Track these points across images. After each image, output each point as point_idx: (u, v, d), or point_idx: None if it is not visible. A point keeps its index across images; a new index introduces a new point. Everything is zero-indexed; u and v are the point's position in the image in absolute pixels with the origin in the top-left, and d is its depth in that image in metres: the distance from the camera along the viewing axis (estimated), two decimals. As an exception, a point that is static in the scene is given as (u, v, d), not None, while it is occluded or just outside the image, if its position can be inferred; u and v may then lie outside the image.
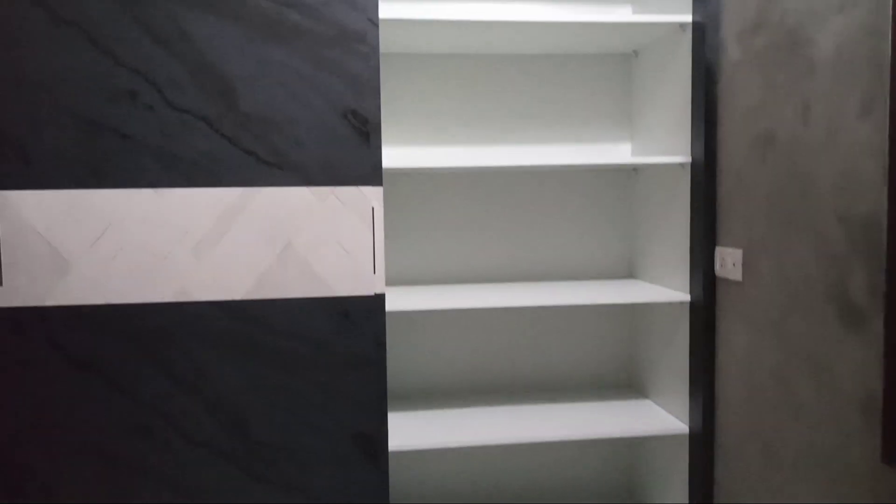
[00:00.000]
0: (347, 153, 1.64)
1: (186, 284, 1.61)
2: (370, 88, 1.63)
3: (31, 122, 1.55)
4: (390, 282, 2.26)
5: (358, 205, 1.66)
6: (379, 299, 1.68)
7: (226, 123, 1.60)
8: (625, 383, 2.37)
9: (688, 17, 1.87)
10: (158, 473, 1.63)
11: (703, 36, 1.81)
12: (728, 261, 1.76)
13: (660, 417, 2.03)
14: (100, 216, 1.58)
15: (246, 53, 1.60)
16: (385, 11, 1.79)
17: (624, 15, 2.23)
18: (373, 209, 1.66)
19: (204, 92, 1.59)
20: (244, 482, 1.66)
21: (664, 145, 2.06)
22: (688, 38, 1.89)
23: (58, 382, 1.60)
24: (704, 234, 1.84)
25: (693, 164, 1.88)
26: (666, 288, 2.06)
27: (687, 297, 1.91)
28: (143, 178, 1.59)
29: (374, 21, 1.62)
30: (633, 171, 2.32)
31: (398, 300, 1.91)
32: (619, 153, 2.33)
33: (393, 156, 2.22)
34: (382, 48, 2.11)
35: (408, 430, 1.94)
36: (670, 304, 2.04)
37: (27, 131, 1.55)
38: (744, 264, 1.71)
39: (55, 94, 1.55)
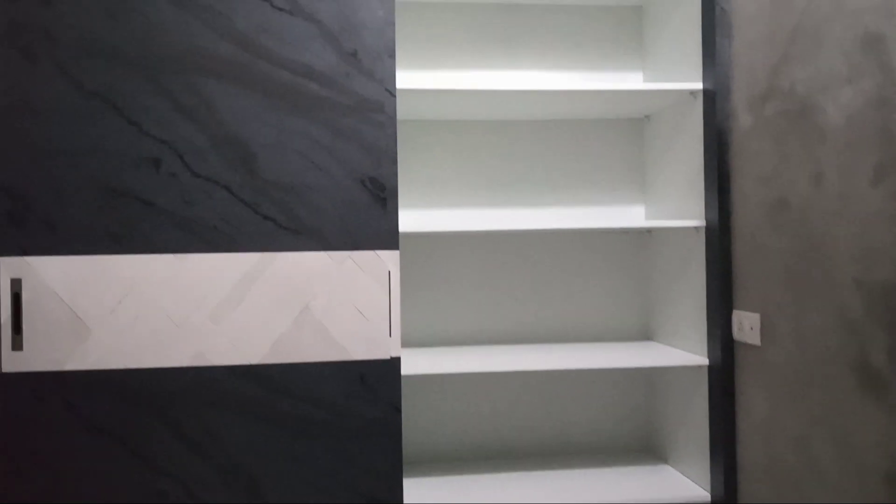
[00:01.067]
0: (365, 218, 1.67)
1: (203, 349, 1.62)
2: (387, 156, 1.67)
3: (55, 190, 1.59)
4: (405, 343, 2.25)
5: (374, 269, 1.67)
6: (395, 363, 1.68)
7: (246, 190, 1.64)
8: (643, 448, 2.33)
9: (698, 85, 1.90)
10: (170, 542, 1.61)
11: (714, 103, 1.84)
12: (746, 324, 1.75)
13: (680, 484, 1.98)
14: (121, 281, 1.60)
15: (267, 122, 1.64)
16: (402, 82, 1.84)
17: (635, 82, 2.27)
18: (389, 273, 1.68)
19: (225, 160, 1.63)
20: (256, 551, 1.63)
21: (678, 208, 2.08)
22: (699, 104, 1.92)
23: (74, 446, 1.59)
24: (721, 297, 1.83)
25: (707, 228, 1.89)
26: (683, 351, 2.04)
27: (705, 361, 1.89)
28: (164, 244, 1.62)
29: (391, 91, 1.66)
30: (647, 233, 2.33)
31: (413, 363, 1.90)
32: (632, 216, 2.34)
33: (409, 219, 2.25)
34: (399, 116, 2.16)
35: (423, 498, 1.91)
36: (688, 368, 2.01)
37: (52, 198, 1.59)
38: (762, 328, 1.70)
39: (80, 162, 1.60)
